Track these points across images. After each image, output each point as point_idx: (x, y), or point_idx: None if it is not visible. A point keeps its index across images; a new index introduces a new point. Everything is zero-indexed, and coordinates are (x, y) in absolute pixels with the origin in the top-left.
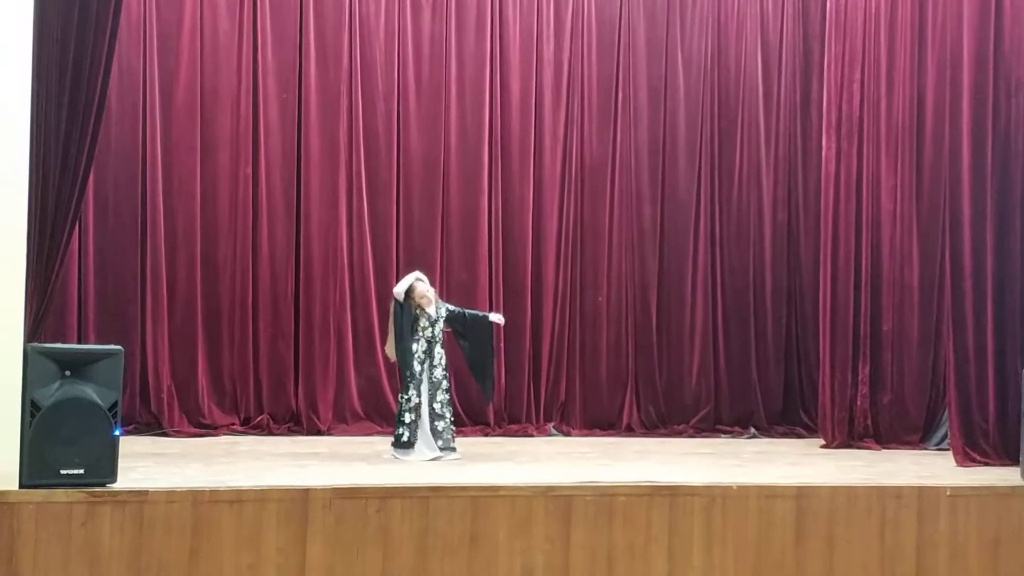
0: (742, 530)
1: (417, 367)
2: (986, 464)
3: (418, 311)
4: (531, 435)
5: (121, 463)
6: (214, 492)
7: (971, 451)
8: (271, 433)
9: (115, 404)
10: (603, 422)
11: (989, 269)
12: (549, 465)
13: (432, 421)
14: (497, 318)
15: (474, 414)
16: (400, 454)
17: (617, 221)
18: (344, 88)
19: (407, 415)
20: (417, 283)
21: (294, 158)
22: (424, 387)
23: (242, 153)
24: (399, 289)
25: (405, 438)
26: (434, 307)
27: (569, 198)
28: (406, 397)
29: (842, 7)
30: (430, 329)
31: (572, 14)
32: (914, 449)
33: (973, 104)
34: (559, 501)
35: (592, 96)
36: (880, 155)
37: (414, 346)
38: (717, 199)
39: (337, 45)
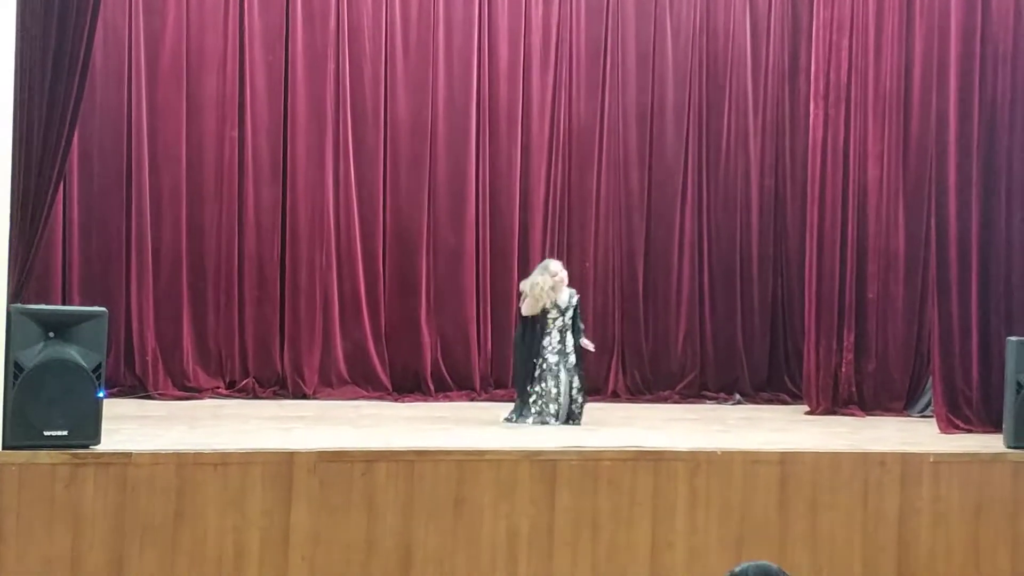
0: (726, 495)
1: (553, 359)
2: (969, 431)
3: (548, 304)
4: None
5: (105, 425)
6: (198, 455)
7: (954, 418)
8: (256, 396)
9: (99, 366)
10: (589, 387)
11: (974, 238)
12: (534, 430)
13: (570, 404)
14: (588, 345)
15: (460, 379)
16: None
17: (604, 187)
18: (331, 51)
19: (551, 406)
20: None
21: (280, 121)
22: (562, 375)
23: (228, 116)
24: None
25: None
26: (565, 295)
27: (556, 163)
28: (543, 387)
29: None
30: (561, 319)
31: None
32: (898, 416)
33: (960, 73)
34: (544, 465)
35: (580, 61)
36: (867, 123)
37: (546, 340)
38: (704, 165)
39: (324, 7)
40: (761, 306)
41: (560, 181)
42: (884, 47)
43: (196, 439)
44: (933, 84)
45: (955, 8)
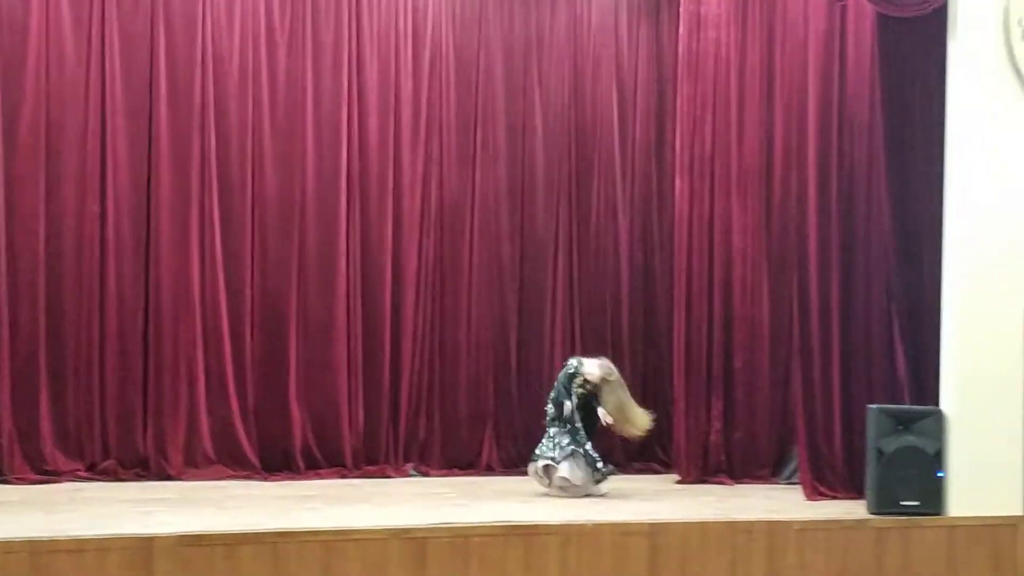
0: (597, 568)
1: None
2: (834, 498)
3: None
4: (389, 476)
5: None
6: (53, 542)
7: (819, 485)
8: (118, 479)
9: None
10: (462, 461)
11: (835, 307)
12: (406, 506)
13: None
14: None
15: (331, 456)
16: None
17: (476, 259)
18: (196, 125)
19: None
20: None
21: (144, 196)
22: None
23: (89, 191)
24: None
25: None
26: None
27: (428, 236)
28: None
29: (693, 51)
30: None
31: (430, 53)
32: (766, 483)
33: (818, 146)
34: (414, 543)
35: (451, 135)
36: (731, 195)
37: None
38: (575, 238)
39: (188, 82)
40: (632, 376)
41: (432, 254)
42: (746, 121)
43: (52, 525)
44: (793, 157)
45: (812, 82)
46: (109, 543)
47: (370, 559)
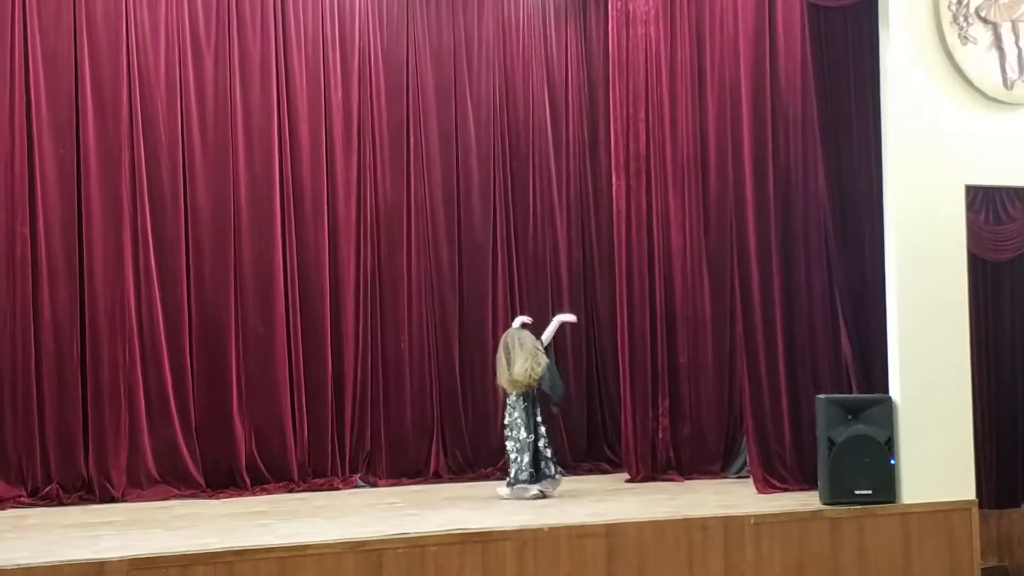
0: (554, 572)
1: None
2: (785, 490)
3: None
4: (337, 488)
5: None
6: (0, 571)
7: (770, 478)
8: (61, 503)
9: None
10: (410, 470)
11: (777, 299)
12: (357, 519)
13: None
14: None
15: (277, 471)
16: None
17: (415, 266)
18: (125, 141)
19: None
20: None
21: (74, 215)
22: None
23: (18, 212)
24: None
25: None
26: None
27: (365, 245)
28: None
29: (623, 48)
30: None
31: (359, 60)
32: (715, 478)
33: (753, 140)
34: (369, 556)
35: (384, 141)
36: (668, 191)
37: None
38: (513, 240)
39: (115, 97)
40: (576, 377)
41: (370, 262)
42: (679, 117)
43: None
44: (728, 150)
45: (745, 75)
46: (59, 570)
47: (326, 574)
